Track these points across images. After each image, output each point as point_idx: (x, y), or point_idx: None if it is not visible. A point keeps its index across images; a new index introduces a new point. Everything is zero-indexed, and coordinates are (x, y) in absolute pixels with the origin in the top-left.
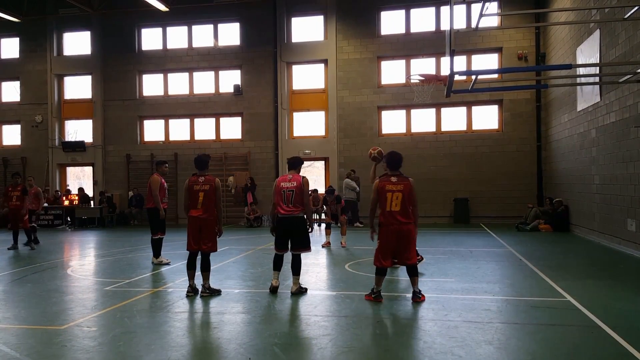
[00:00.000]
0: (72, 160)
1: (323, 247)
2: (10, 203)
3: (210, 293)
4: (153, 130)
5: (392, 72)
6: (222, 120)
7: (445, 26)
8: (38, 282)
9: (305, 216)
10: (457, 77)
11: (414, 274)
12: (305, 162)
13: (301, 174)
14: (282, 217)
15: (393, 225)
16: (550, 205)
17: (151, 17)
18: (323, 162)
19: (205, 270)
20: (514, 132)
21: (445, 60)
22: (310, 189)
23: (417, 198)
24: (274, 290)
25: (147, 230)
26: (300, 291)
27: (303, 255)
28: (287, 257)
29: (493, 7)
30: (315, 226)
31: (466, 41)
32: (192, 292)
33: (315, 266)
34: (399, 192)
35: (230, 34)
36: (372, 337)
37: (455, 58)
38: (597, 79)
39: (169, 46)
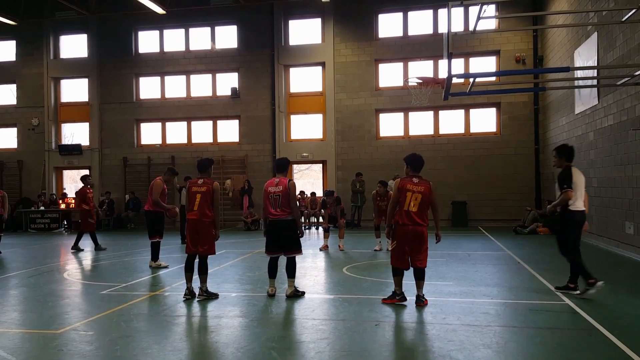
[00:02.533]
0: (68, 163)
1: (321, 250)
2: (92, 204)
3: (208, 296)
4: (150, 134)
5: (389, 75)
6: (220, 123)
7: (443, 29)
8: (34, 286)
9: (294, 219)
10: (455, 80)
11: (420, 277)
12: (302, 165)
13: (300, 177)
14: (272, 221)
15: (408, 225)
16: None
17: (148, 20)
18: (321, 165)
19: (203, 273)
20: (512, 135)
21: (443, 63)
22: (308, 192)
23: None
24: (271, 297)
25: (144, 233)
26: (295, 294)
27: (300, 259)
28: (283, 262)
29: (491, 10)
30: (314, 229)
31: (464, 44)
32: (189, 295)
33: (313, 269)
34: (419, 194)
35: (227, 36)
36: (370, 341)
37: (453, 61)
38: (595, 82)
39: (166, 49)
